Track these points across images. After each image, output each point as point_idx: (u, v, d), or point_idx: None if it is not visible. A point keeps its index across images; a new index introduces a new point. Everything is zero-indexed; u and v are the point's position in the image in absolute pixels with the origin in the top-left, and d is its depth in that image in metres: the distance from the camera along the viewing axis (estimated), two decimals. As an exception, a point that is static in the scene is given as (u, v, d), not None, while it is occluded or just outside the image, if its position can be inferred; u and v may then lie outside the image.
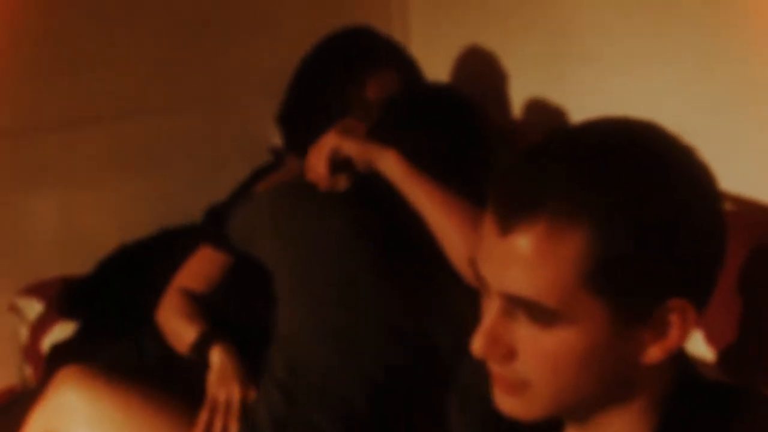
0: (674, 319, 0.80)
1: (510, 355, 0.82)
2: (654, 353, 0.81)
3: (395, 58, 1.81)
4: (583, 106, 1.78)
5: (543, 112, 1.91)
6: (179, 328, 1.64)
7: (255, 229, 1.59)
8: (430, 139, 1.55)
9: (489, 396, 0.86)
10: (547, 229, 0.78)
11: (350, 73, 1.76)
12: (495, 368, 0.84)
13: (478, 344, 0.82)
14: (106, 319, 1.89)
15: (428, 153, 1.52)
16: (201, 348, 1.58)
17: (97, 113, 2.07)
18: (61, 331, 1.93)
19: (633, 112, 0.85)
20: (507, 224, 0.79)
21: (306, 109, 1.81)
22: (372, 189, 1.54)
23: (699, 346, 1.38)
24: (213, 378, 1.54)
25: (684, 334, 0.81)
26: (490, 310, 0.82)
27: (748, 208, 1.52)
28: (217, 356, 1.56)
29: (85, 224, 2.13)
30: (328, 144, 1.56)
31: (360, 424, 1.44)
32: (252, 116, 1.87)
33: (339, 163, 1.56)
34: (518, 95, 1.98)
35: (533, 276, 0.78)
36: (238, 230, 1.64)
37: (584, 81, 1.80)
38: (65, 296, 1.97)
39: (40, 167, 2.06)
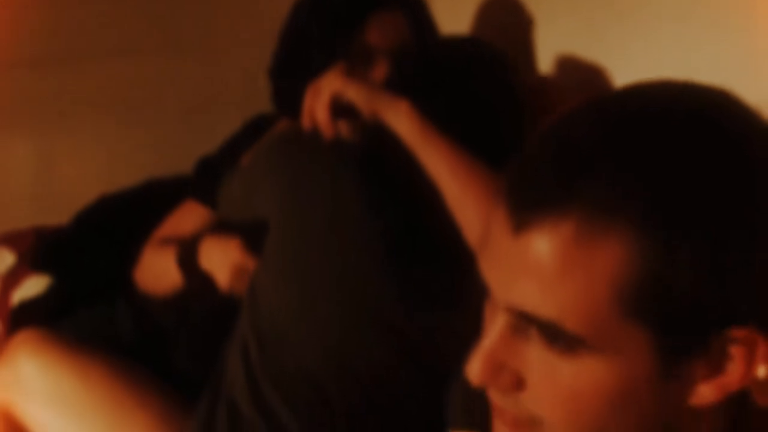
0: (736, 351, 0.61)
1: (517, 384, 0.63)
2: (705, 392, 0.62)
3: None
4: (625, 64, 1.54)
5: (577, 68, 1.69)
6: (159, 260, 1.50)
7: (250, 193, 1.40)
8: (452, 100, 1.35)
9: None
10: (576, 230, 0.58)
11: (349, 13, 1.49)
12: (497, 399, 0.65)
13: (476, 369, 0.63)
14: (80, 278, 1.74)
15: (450, 115, 1.32)
16: (187, 256, 1.43)
17: (80, 51, 1.92)
18: (34, 285, 1.79)
19: (688, 73, 0.65)
20: (522, 220, 0.59)
21: (297, 60, 1.55)
22: (385, 144, 1.34)
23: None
24: (223, 269, 1.39)
25: (747, 372, 0.61)
26: (494, 326, 0.63)
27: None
28: (209, 249, 1.41)
29: (64, 172, 2.00)
30: (329, 86, 1.35)
31: (329, 419, 1.29)
32: (252, 61, 1.69)
33: (340, 110, 1.35)
34: (548, 48, 1.76)
35: (554, 291, 0.59)
36: (229, 203, 1.46)
37: (628, 33, 1.56)
38: (38, 249, 1.82)
39: (15, 107, 1.91)
